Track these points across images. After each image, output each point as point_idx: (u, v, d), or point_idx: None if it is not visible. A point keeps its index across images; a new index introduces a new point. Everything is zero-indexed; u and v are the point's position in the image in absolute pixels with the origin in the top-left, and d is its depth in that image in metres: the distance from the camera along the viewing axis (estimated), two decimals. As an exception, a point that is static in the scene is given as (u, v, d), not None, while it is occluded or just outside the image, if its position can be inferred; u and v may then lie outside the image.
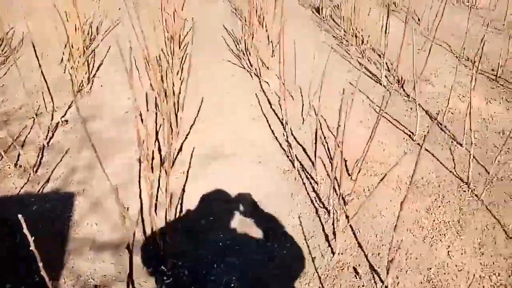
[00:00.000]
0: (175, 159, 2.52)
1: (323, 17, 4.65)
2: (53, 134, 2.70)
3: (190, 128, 2.80)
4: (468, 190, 2.27)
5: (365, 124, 2.83)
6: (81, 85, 3.17)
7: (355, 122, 2.85)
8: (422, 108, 3.02)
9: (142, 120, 2.80)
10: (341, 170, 1.99)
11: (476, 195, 2.23)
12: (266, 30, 3.89)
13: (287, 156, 2.55)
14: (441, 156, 2.54)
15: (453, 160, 2.51)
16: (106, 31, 4.09)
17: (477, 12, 4.93)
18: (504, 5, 4.94)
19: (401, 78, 3.34)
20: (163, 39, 3.34)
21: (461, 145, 2.61)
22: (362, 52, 3.86)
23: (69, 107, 2.98)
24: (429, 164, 2.47)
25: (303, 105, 3.05)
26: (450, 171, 2.42)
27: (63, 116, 2.87)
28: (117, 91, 3.15)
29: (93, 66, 3.50)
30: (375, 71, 3.52)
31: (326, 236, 2.04)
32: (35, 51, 2.56)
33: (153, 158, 2.48)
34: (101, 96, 3.14)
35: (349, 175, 2.41)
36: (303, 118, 2.91)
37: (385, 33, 3.36)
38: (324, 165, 2.50)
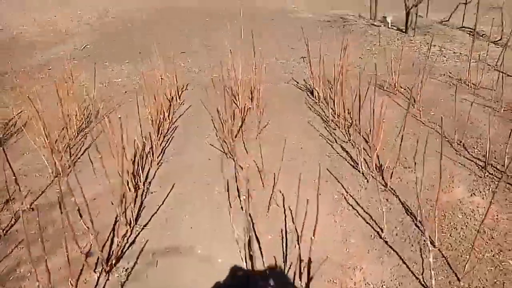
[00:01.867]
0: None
1: (316, 99, 4.68)
2: (15, 222, 2.71)
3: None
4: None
5: (335, 218, 2.66)
6: (61, 170, 3.26)
7: (325, 213, 2.69)
8: (399, 199, 2.82)
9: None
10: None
11: (441, 310, 1.94)
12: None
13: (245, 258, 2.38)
14: (410, 258, 2.29)
15: (422, 263, 2.25)
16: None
17: (478, 92, 4.81)
18: (506, 85, 4.83)
19: (380, 165, 3.19)
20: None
21: (434, 245, 2.35)
22: (348, 135, 3.78)
23: (42, 193, 3.03)
24: (394, 267, 2.22)
25: (272, 192, 2.94)
26: (417, 278, 2.15)
27: (32, 203, 2.91)
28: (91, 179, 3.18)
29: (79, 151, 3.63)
30: (356, 156, 3.40)
31: None
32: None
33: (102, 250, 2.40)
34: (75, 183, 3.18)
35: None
36: (268, 208, 2.78)
37: (377, 115, 3.29)
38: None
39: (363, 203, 2.76)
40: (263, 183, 3.04)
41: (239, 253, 2.34)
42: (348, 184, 2.99)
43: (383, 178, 3.07)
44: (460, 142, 3.57)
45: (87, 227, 2.12)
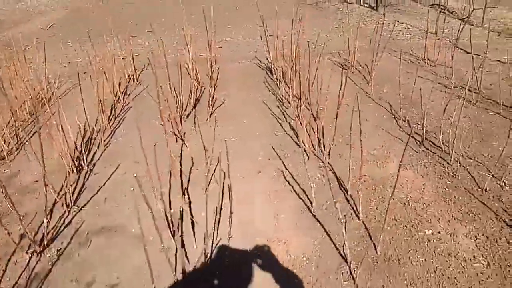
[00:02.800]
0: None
1: (275, 78, 4.70)
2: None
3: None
4: (347, 273, 2.08)
5: (271, 194, 2.73)
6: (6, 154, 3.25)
7: (261, 190, 2.76)
8: (335, 175, 2.90)
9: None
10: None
11: (353, 278, 2.04)
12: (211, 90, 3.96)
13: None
14: (335, 231, 2.38)
15: (344, 235, 2.34)
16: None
17: (435, 69, 4.88)
18: (460, 62, 4.90)
19: (322, 141, 3.25)
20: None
21: (358, 218, 2.45)
22: (298, 114, 3.82)
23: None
24: (318, 239, 2.31)
25: (213, 172, 2.99)
26: (337, 249, 2.24)
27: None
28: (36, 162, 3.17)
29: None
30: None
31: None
32: None
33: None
34: (21, 166, 3.19)
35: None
36: (207, 187, 2.83)
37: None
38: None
39: (300, 179, 2.82)
40: (207, 163, 3.08)
41: (171, 231, 2.39)
42: (290, 162, 3.05)
43: (324, 155, 3.13)
44: (405, 118, 3.64)
45: (15, 210, 2.14)
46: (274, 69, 4.64)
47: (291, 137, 3.43)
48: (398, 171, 1.95)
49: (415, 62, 5.14)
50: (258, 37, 6.80)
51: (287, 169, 2.98)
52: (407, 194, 2.62)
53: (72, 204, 2.70)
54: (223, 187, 2.79)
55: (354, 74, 4.82)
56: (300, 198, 2.65)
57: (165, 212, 2.39)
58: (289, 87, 4.18)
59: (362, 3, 9.17)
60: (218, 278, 2.09)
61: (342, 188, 2.72)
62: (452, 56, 4.84)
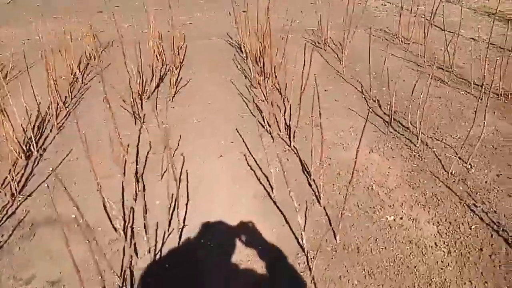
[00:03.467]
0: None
1: (245, 56, 4.50)
2: None
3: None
4: (304, 263, 1.98)
5: (232, 179, 2.59)
6: None
7: (223, 175, 2.62)
8: (299, 159, 2.77)
9: None
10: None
11: (309, 269, 1.94)
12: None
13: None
14: (294, 218, 2.26)
15: (300, 223, 2.23)
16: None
17: (407, 47, 4.75)
18: (435, 40, 4.79)
19: (288, 125, 3.12)
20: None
21: (319, 203, 2.34)
22: (266, 94, 3.67)
23: None
24: (277, 228, 2.19)
25: (173, 156, 2.82)
26: (296, 237, 2.13)
27: None
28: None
29: None
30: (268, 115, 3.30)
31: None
32: None
33: None
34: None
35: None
36: (163, 174, 2.68)
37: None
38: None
39: (263, 164, 2.69)
40: (165, 147, 2.91)
41: (123, 222, 2.25)
42: (253, 145, 2.91)
43: (289, 137, 3.00)
44: (376, 98, 3.53)
45: None
46: (243, 47, 4.43)
47: (257, 119, 3.27)
48: (356, 155, 1.82)
49: (390, 40, 5.00)
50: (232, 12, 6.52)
51: (250, 153, 2.83)
52: (372, 178, 2.53)
53: (17, 193, 2.50)
54: (181, 173, 2.64)
55: (326, 52, 4.65)
56: (261, 183, 2.51)
57: (122, 203, 2.24)
58: (258, 66, 4.00)
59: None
60: (167, 272, 1.96)
61: (305, 173, 2.60)
62: (425, 34, 4.72)
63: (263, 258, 2.01)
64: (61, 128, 3.23)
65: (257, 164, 2.72)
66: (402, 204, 2.30)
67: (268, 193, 2.45)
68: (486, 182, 2.44)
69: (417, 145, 2.78)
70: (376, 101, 3.49)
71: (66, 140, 3.05)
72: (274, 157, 2.72)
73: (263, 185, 2.51)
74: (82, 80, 3.96)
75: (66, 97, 3.63)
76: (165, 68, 4.24)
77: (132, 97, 3.44)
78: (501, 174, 2.51)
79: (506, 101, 3.38)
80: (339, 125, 3.14)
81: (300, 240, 2.10)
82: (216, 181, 2.57)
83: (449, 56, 4.05)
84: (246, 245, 2.08)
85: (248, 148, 2.90)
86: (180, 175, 2.62)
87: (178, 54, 4.63)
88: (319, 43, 4.95)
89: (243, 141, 2.98)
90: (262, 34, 4.49)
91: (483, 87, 3.53)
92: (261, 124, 3.16)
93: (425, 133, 2.92)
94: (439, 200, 2.31)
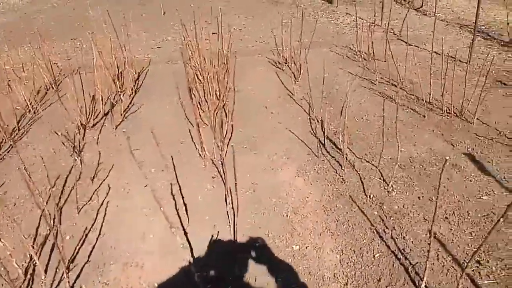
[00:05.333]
0: None
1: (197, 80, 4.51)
2: None
3: None
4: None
5: (148, 213, 2.57)
6: None
7: (140, 208, 2.60)
8: (224, 185, 2.74)
9: None
10: None
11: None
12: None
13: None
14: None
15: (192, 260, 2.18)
16: None
17: (367, 64, 4.74)
18: (399, 55, 4.76)
19: (226, 148, 3.10)
20: None
21: (234, 235, 2.29)
22: (213, 119, 3.66)
23: None
24: (183, 262, 2.15)
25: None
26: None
27: None
28: None
29: None
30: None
31: None
32: None
33: None
34: None
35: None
36: (79, 208, 2.67)
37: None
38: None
39: (189, 191, 2.67)
40: (92, 177, 2.91)
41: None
42: (185, 171, 2.89)
43: (222, 164, 2.97)
44: (320, 119, 3.49)
45: None
46: (196, 70, 4.46)
47: (196, 145, 3.26)
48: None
49: (351, 57, 4.99)
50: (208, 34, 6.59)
51: (177, 181, 2.81)
52: (290, 205, 2.48)
53: None
54: (101, 204, 2.63)
55: (284, 72, 4.65)
56: (177, 214, 2.48)
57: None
58: (212, 89, 4.01)
59: (318, -4, 9.00)
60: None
61: (227, 201, 2.56)
62: (385, 50, 4.71)
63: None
64: (1, 159, 3.26)
65: (180, 193, 2.69)
66: (311, 232, 2.24)
67: (182, 225, 2.41)
68: (403, 205, 2.37)
69: (343, 168, 2.72)
70: (320, 122, 3.44)
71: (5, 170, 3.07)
72: (203, 183, 2.70)
73: (178, 216, 2.48)
74: (34, 110, 4.02)
75: (14, 128, 3.68)
76: (119, 95, 4.28)
77: (77, 127, 3.48)
78: (422, 197, 2.44)
79: (448, 117, 3.31)
80: (274, 148, 3.10)
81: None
82: (131, 213, 2.55)
83: (405, 72, 4.01)
84: (143, 282, 2.03)
85: (176, 176, 2.87)
86: (99, 208, 2.60)
87: (137, 79, 4.69)
88: (279, 63, 4.96)
89: (174, 169, 2.95)
90: (223, 56, 4.54)
91: (431, 103, 3.48)
92: (198, 150, 3.14)
93: (359, 155, 2.87)
94: (349, 227, 2.24)
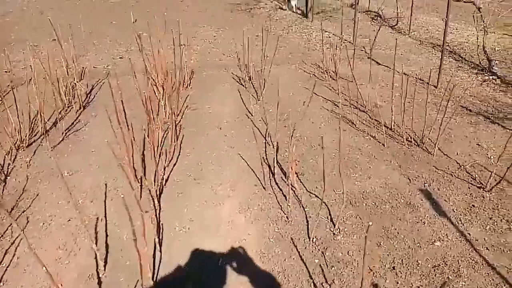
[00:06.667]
0: None
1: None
2: None
3: None
4: None
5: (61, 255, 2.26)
6: None
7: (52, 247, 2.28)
8: (158, 223, 2.45)
9: None
10: None
11: None
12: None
13: None
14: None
15: None
16: None
17: (333, 84, 4.54)
18: (365, 75, 4.57)
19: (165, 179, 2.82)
20: None
21: (153, 279, 1.99)
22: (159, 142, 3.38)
23: None
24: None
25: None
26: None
27: None
28: None
29: None
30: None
31: None
32: None
33: None
34: None
35: None
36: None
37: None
38: None
39: (112, 230, 2.36)
40: (10, 210, 2.59)
41: None
42: (112, 206, 2.58)
43: (158, 196, 2.68)
44: (277, 144, 3.24)
45: None
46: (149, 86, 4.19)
47: (135, 171, 2.96)
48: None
49: (319, 76, 4.78)
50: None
51: (105, 215, 2.51)
52: (225, 249, 2.21)
53: None
54: (12, 243, 2.30)
55: (246, 90, 4.41)
56: (95, 259, 2.17)
57: None
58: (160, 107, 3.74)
59: (294, 10, 8.86)
60: None
61: (156, 240, 2.27)
62: (352, 71, 4.52)
63: None
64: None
65: (106, 231, 2.39)
66: (242, 284, 1.97)
67: (98, 272, 2.11)
68: (348, 252, 2.13)
69: (289, 204, 2.47)
70: (275, 148, 3.19)
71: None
72: (134, 217, 2.40)
73: (96, 262, 2.17)
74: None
75: None
76: (65, 111, 3.96)
77: (10, 147, 3.16)
78: (370, 241, 2.20)
79: (409, 146, 3.10)
80: (220, 178, 2.84)
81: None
82: (47, 255, 2.23)
83: (368, 94, 3.82)
84: None
85: (105, 209, 2.57)
86: (9, 247, 2.28)
87: (90, 92, 4.39)
88: (244, 80, 4.72)
89: (105, 200, 2.65)
90: (185, 70, 4.29)
91: (393, 130, 3.28)
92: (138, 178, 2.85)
93: (309, 187, 2.63)
94: (284, 278, 1.98)
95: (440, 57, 4.27)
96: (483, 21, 5.26)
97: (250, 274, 2.00)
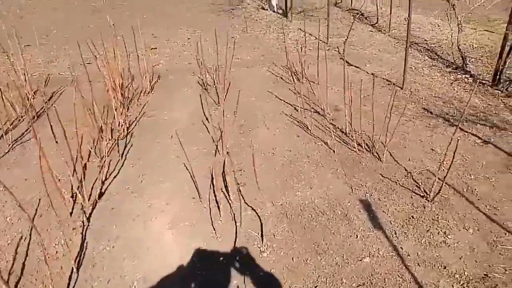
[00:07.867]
0: None
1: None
2: None
3: None
4: None
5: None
6: None
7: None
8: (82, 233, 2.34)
9: None
10: None
11: None
12: None
13: None
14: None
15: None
16: None
17: (298, 86, 4.42)
18: (336, 75, 4.45)
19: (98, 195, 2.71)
20: None
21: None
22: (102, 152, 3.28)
23: None
24: None
25: None
26: None
27: None
28: None
29: None
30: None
31: None
32: None
33: None
34: None
35: None
36: None
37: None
38: None
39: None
40: None
41: None
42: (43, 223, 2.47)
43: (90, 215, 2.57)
44: (227, 152, 3.13)
45: None
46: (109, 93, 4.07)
47: (72, 185, 2.85)
48: None
49: (285, 79, 4.66)
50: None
51: (30, 235, 2.40)
52: (144, 270, 2.09)
53: None
54: None
55: (209, 95, 4.29)
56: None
57: None
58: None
59: (275, 9, 8.73)
60: None
61: (76, 261, 2.16)
62: (317, 72, 4.40)
63: None
64: None
65: (26, 252, 2.28)
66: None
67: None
68: (271, 269, 2.00)
69: (220, 219, 2.35)
70: (226, 156, 3.07)
71: None
72: (66, 235, 2.30)
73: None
74: None
75: None
76: (18, 120, 3.86)
77: None
78: (297, 258, 2.08)
79: (359, 153, 2.98)
80: (158, 191, 2.74)
81: None
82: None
83: (327, 97, 3.70)
84: None
85: (31, 229, 2.46)
86: None
87: (48, 101, 4.30)
88: (208, 85, 4.60)
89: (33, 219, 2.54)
90: (149, 74, 4.19)
91: (348, 135, 3.16)
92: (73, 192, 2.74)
93: (248, 199, 2.51)
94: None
95: (404, 57, 4.13)
96: (457, 18, 5.10)
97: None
